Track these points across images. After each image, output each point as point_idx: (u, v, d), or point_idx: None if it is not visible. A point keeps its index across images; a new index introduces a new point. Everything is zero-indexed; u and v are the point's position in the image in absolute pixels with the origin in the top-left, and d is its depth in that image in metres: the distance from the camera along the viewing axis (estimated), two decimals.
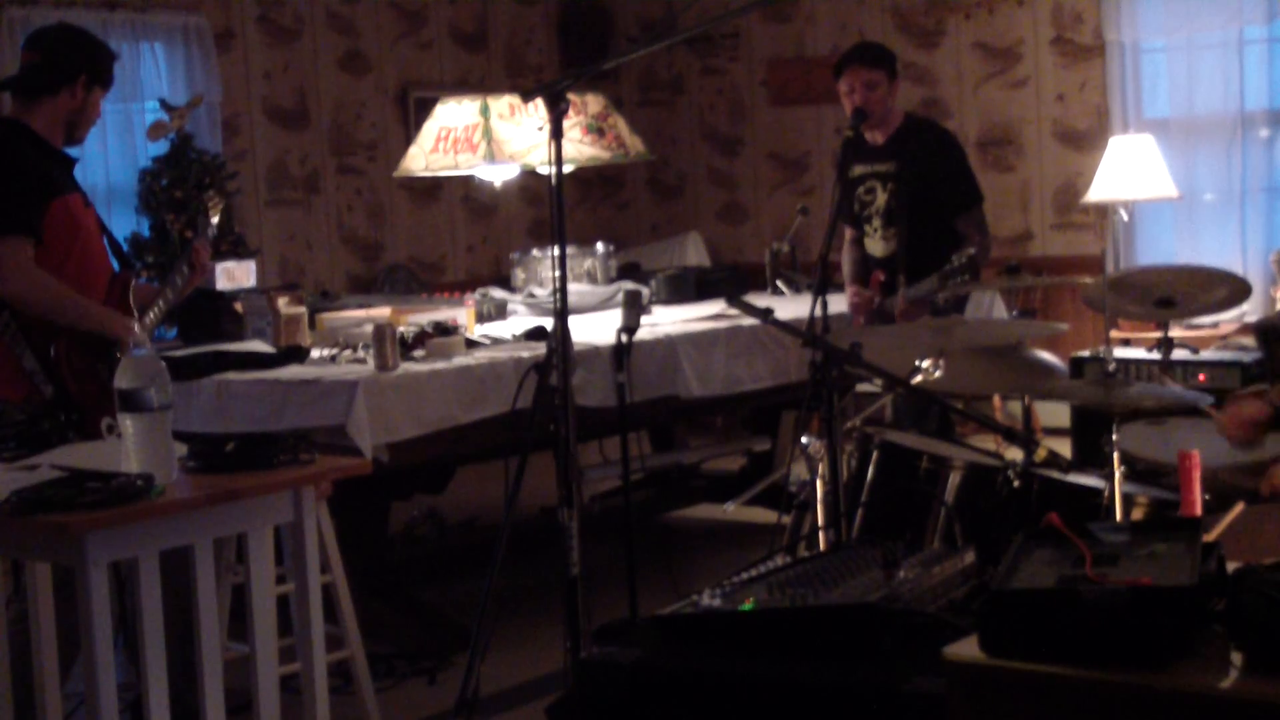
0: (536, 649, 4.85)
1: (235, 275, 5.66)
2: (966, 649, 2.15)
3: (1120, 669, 2.03)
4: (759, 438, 6.76)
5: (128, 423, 3.04)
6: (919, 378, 4.24)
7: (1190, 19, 7.75)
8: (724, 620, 2.82)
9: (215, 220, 4.54)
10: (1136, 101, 8.02)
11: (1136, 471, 4.02)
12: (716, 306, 5.78)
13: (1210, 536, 2.59)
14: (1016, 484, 3.70)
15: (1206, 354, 6.07)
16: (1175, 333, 5.43)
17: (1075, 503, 3.67)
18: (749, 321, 5.23)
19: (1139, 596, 2.06)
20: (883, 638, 2.71)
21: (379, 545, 5.25)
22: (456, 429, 4.75)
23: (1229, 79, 7.73)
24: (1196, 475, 3.11)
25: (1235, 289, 4.74)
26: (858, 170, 5.55)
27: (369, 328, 4.92)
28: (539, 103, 3.38)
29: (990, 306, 7.28)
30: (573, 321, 3.55)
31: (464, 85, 8.44)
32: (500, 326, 5.63)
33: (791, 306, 5.75)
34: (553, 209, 3.39)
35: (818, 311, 4.47)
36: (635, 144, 6.44)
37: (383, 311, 5.54)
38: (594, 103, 6.31)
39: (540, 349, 4.41)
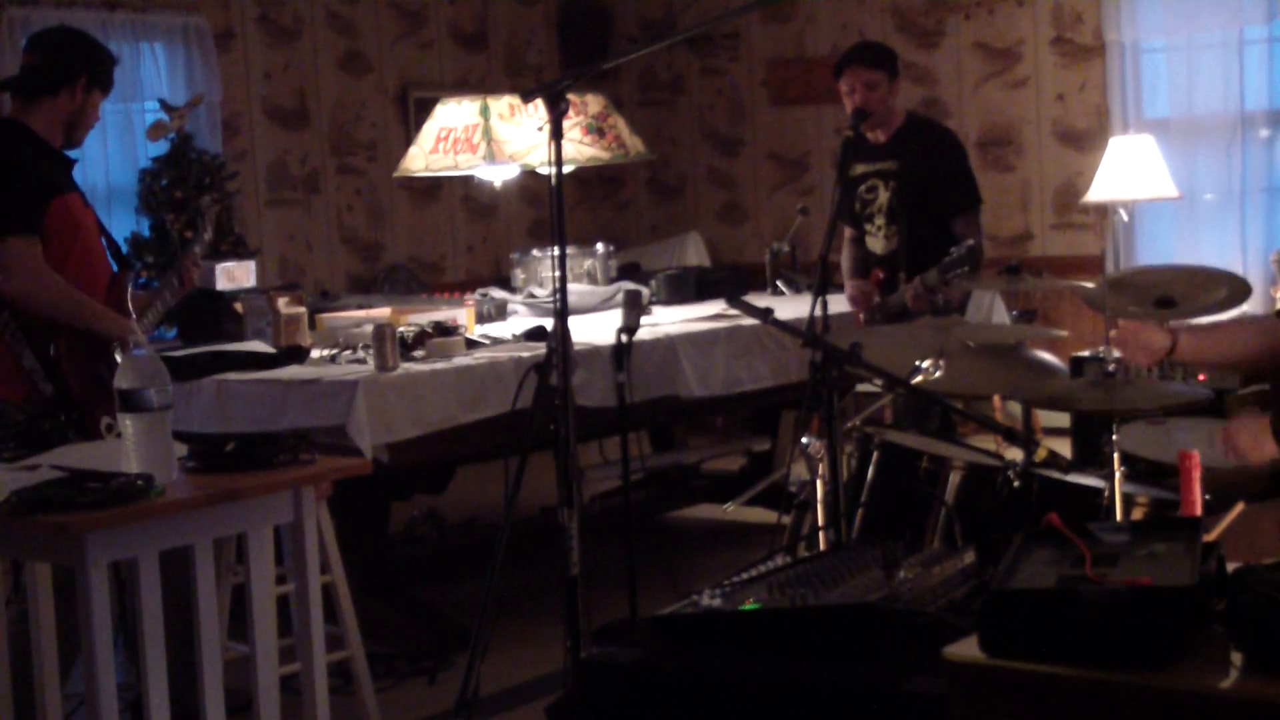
0: (536, 649, 4.85)
1: (235, 275, 5.66)
2: (966, 649, 2.15)
3: (1120, 669, 2.03)
4: (759, 438, 6.76)
5: (128, 423, 3.04)
6: (919, 378, 4.24)
7: (1190, 19, 7.75)
8: (724, 620, 2.82)
9: (208, 237, 4.59)
10: (1136, 101, 8.01)
11: (1136, 471, 4.02)
12: (716, 306, 5.78)
13: (1210, 536, 2.59)
14: (1016, 484, 3.69)
15: None
16: None
17: (1075, 503, 3.66)
18: (749, 321, 5.23)
19: (1139, 596, 2.06)
20: (883, 638, 2.70)
21: (379, 545, 5.25)
22: (456, 429, 4.75)
23: (1229, 79, 7.72)
24: (1196, 475, 3.11)
25: (1235, 289, 4.73)
26: (860, 169, 5.56)
27: (369, 328, 4.91)
28: (539, 103, 3.37)
29: (990, 307, 7.28)
30: (573, 321, 3.55)
31: (464, 85, 8.43)
32: (500, 327, 5.63)
33: (791, 307, 5.74)
34: (553, 209, 3.39)
35: (818, 311, 4.47)
36: (635, 144, 6.44)
37: (383, 311, 5.53)
38: (594, 103, 6.30)
39: (540, 349, 4.41)
